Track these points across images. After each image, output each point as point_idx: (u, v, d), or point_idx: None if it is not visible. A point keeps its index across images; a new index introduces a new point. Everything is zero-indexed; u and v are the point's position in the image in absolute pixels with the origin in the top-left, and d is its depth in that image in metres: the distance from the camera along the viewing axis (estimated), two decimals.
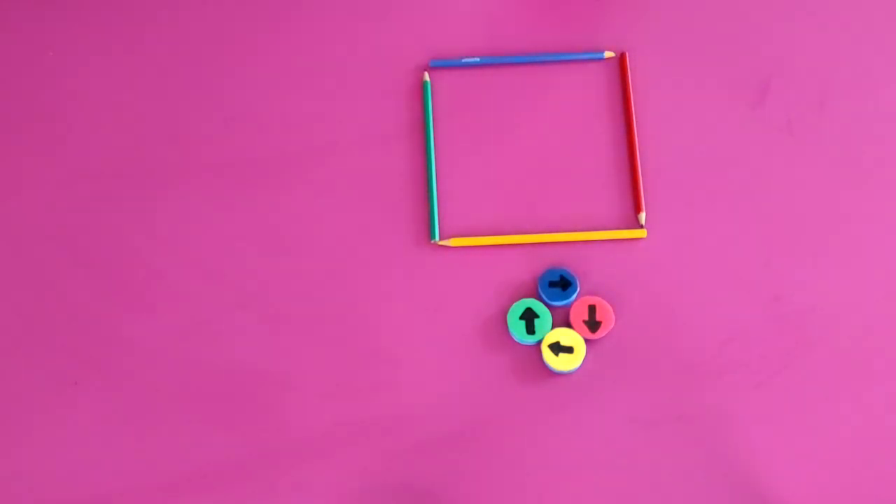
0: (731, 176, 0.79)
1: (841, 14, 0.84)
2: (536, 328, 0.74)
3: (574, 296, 0.75)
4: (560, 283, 0.75)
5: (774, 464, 0.71)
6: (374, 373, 0.75)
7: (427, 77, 0.82)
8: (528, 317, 0.74)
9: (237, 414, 0.74)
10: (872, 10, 0.84)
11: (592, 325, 0.74)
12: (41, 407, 0.74)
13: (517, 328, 0.74)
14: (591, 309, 0.74)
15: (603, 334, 0.74)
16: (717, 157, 0.80)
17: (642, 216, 0.77)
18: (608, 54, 0.82)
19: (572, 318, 0.74)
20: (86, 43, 0.86)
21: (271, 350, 0.75)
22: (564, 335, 0.73)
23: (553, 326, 0.75)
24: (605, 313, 0.74)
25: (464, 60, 0.82)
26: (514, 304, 0.75)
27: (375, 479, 0.72)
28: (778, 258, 0.77)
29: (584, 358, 0.74)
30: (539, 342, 0.74)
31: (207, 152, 0.81)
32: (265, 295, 0.77)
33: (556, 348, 0.73)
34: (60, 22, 0.87)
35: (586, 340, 0.74)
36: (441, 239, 0.78)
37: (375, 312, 0.76)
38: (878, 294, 0.75)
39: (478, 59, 0.82)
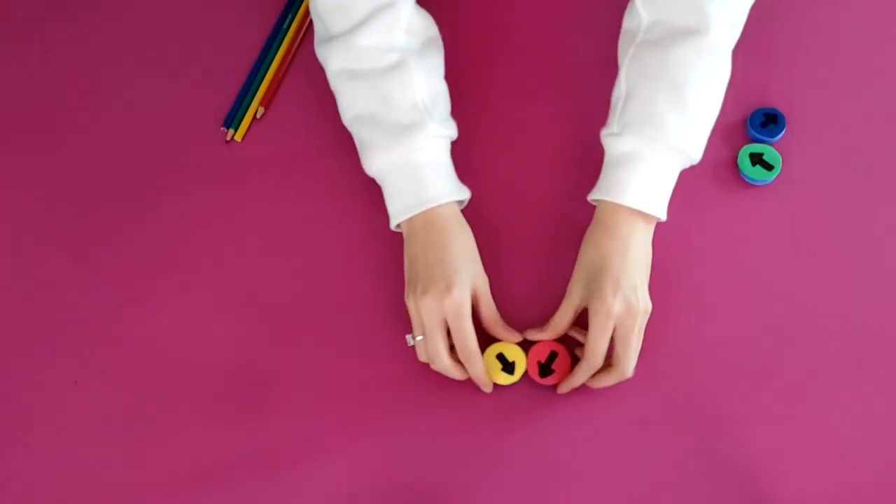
0: None
1: None
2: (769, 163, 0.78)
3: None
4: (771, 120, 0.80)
5: (774, 463, 0.70)
6: (374, 372, 0.74)
7: None
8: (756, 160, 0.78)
9: (237, 414, 0.74)
10: None
11: (546, 370, 0.72)
12: (41, 407, 0.74)
13: (753, 171, 0.78)
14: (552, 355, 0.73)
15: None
16: None
17: None
18: None
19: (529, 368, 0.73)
20: (85, 41, 0.87)
21: (272, 350, 0.75)
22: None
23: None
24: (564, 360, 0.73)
25: None
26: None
27: (374, 479, 0.71)
28: (779, 257, 0.76)
29: None
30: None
31: (207, 151, 0.82)
32: (266, 295, 0.77)
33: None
34: (60, 20, 0.88)
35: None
36: None
37: (374, 309, 0.76)
38: (879, 293, 0.75)
39: None
